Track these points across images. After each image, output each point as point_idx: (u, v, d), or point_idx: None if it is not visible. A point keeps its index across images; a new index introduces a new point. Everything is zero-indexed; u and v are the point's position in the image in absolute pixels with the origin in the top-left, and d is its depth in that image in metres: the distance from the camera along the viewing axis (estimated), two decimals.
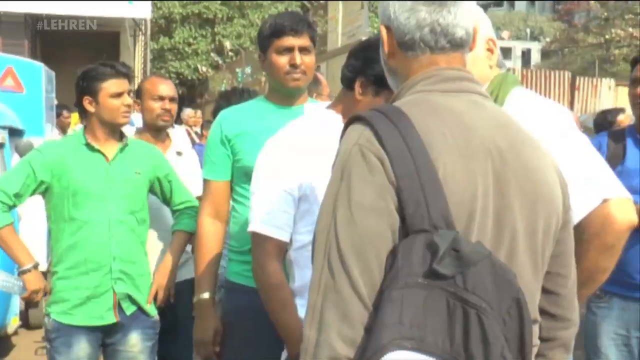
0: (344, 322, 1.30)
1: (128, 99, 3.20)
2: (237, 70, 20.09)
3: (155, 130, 3.74)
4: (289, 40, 2.67)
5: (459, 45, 1.51)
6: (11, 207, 3.15)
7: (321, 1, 21.05)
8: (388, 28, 1.53)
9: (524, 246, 1.42)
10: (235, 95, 4.30)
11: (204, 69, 24.95)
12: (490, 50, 2.23)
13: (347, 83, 2.21)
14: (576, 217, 1.92)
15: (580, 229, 1.93)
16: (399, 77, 1.55)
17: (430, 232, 1.29)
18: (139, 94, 3.75)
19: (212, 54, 24.96)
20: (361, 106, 2.15)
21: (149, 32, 19.35)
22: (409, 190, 1.31)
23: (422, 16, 1.49)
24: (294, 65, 2.65)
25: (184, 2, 24.96)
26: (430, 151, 1.34)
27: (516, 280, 1.32)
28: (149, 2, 17.62)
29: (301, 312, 2.11)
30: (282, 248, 2.18)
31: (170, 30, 25.55)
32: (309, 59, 2.70)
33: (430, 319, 1.24)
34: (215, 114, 4.09)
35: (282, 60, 2.68)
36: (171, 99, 3.71)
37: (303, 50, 2.68)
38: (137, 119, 4.86)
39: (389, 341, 1.24)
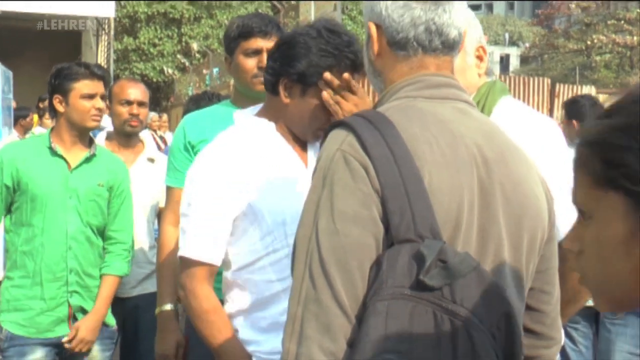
0: (325, 335, 1.29)
1: (100, 102, 3.16)
2: (205, 72, 20.05)
3: (124, 136, 3.71)
4: (257, 42, 2.68)
5: (451, 47, 1.51)
6: None
7: (292, 2, 21.08)
8: (378, 26, 1.51)
9: (508, 260, 1.42)
10: (204, 100, 4.29)
11: (170, 71, 24.87)
12: (479, 58, 2.22)
13: (271, 88, 2.15)
14: (561, 233, 1.94)
15: (563, 249, 1.94)
16: (384, 79, 1.54)
17: (417, 242, 1.29)
18: (109, 97, 3.72)
19: (179, 56, 24.89)
20: (291, 109, 2.12)
21: (112, 32, 19.24)
22: (394, 200, 1.31)
23: (417, 14, 1.47)
24: (261, 69, 2.60)
25: (149, 1, 24.87)
26: (416, 159, 1.34)
27: (505, 293, 1.32)
28: (113, 1, 17.51)
29: (243, 334, 2.09)
30: (213, 272, 2.13)
31: (134, 30, 25.43)
32: None
33: (416, 332, 1.24)
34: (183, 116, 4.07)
35: (250, 63, 2.67)
36: (140, 104, 3.67)
37: None
38: (108, 123, 4.84)
39: (374, 355, 1.23)
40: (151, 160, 3.74)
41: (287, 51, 2.10)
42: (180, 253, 2.13)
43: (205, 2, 25.39)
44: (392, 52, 1.50)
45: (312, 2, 12.54)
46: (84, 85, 3.14)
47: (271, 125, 2.17)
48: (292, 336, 1.32)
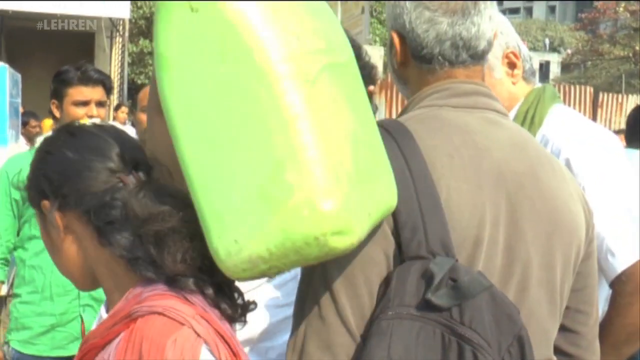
0: (326, 352, 1.30)
1: (94, 110, 3.14)
2: None
3: None
4: None
5: (480, 57, 1.52)
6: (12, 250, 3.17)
7: None
8: (401, 36, 1.52)
9: (538, 280, 1.42)
10: None
11: None
12: (511, 65, 2.17)
13: None
14: (620, 266, 1.90)
15: (623, 280, 1.90)
16: (410, 86, 1.55)
17: (427, 259, 1.29)
18: (134, 105, 3.70)
19: None
20: None
21: (127, 34, 19.40)
22: (406, 214, 1.31)
23: (443, 29, 1.48)
24: None
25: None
26: (434, 172, 1.35)
27: (519, 316, 1.32)
28: (128, 1, 17.67)
29: None
30: None
31: (151, 32, 25.54)
32: None
33: (422, 354, 1.24)
34: None
35: None
36: None
37: None
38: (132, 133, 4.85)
39: None
40: None
41: None
42: None
43: None
44: (417, 65, 1.52)
45: (339, 2, 12.54)
46: (77, 92, 3.13)
47: None
48: (293, 352, 1.34)
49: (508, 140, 1.46)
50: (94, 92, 3.16)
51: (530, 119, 2.11)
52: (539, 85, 2.24)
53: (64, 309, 3.12)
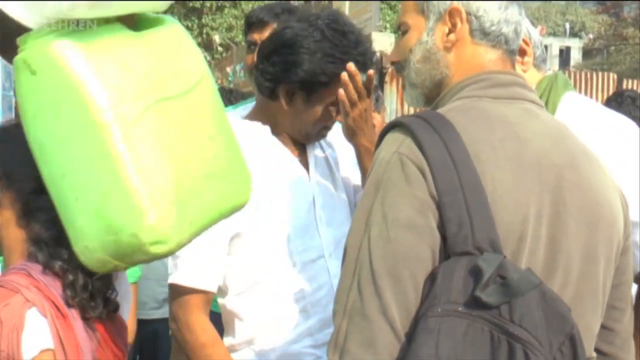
0: (368, 350, 1.32)
1: None
2: (228, 68, 20.15)
3: None
4: (253, 36, 2.71)
5: (517, 51, 1.61)
6: None
7: None
8: (468, 13, 1.55)
9: (581, 274, 1.44)
10: (229, 95, 4.32)
11: None
12: (521, 52, 2.19)
13: (268, 93, 2.14)
14: None
15: None
16: (451, 72, 1.56)
17: (475, 255, 1.31)
18: None
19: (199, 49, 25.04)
20: (293, 115, 2.13)
21: None
22: (451, 207, 1.34)
23: (511, 12, 1.56)
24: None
25: None
26: (478, 165, 1.37)
27: (570, 314, 1.33)
28: None
29: None
30: (209, 301, 2.10)
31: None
32: None
33: (470, 352, 1.26)
34: None
35: (250, 61, 2.75)
36: None
37: None
38: None
39: None
40: None
41: (288, 56, 2.09)
42: (171, 280, 2.09)
43: None
44: (474, 42, 1.56)
45: None
46: None
47: (266, 129, 2.17)
48: (335, 350, 1.36)
49: (546, 132, 1.49)
50: None
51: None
52: (549, 72, 2.26)
53: None
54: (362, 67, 2.06)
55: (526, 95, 1.54)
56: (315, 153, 2.22)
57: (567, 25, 46.93)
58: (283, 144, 2.17)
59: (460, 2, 1.55)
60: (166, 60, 1.57)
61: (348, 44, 2.07)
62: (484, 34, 1.55)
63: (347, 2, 12.72)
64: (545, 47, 2.30)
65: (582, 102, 2.22)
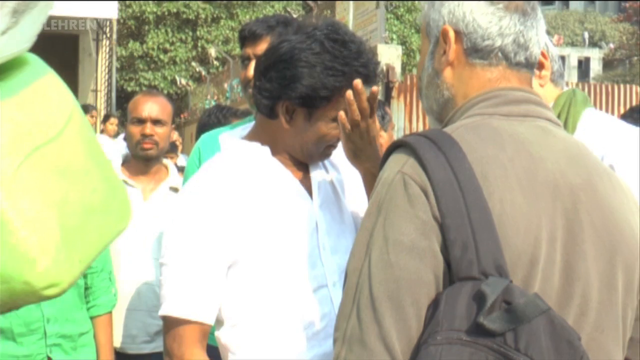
0: None
1: None
2: (225, 83, 20.22)
3: (142, 160, 3.72)
4: (247, 50, 2.73)
5: (532, 64, 1.59)
6: None
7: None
8: (457, 32, 1.57)
9: (599, 302, 1.44)
10: (214, 114, 4.34)
11: (184, 81, 25.13)
12: (538, 65, 2.21)
13: (267, 111, 2.14)
14: None
15: None
16: (454, 93, 1.59)
17: (479, 280, 1.31)
18: (125, 115, 3.76)
19: (194, 63, 25.15)
20: (293, 135, 2.12)
21: (115, 36, 19.53)
22: (455, 230, 1.34)
23: (506, 23, 1.56)
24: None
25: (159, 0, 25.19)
26: (485, 185, 1.38)
27: (579, 342, 1.33)
28: (116, 0, 17.77)
29: None
30: (206, 333, 2.06)
31: (141, 33, 25.79)
32: None
33: None
34: (198, 135, 4.10)
35: (243, 76, 2.77)
36: (155, 121, 3.66)
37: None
38: (120, 147, 4.89)
39: None
40: (175, 189, 3.74)
41: (285, 71, 2.08)
42: (163, 312, 2.07)
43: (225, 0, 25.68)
44: (469, 62, 1.57)
45: None
46: None
47: (266, 150, 2.16)
48: None
49: (563, 151, 1.49)
50: None
51: (562, 124, 2.13)
52: (567, 88, 2.27)
53: (28, 351, 3.09)
54: (365, 79, 2.05)
55: (541, 112, 1.54)
56: (318, 175, 2.21)
57: (586, 35, 47.07)
58: (284, 165, 2.16)
59: (451, 21, 1.58)
60: (33, 109, 1.68)
61: (349, 54, 2.05)
62: (476, 51, 1.56)
63: (351, 12, 12.77)
64: (563, 58, 2.30)
65: (602, 118, 2.24)
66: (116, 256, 3.51)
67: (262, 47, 2.65)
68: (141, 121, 3.65)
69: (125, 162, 3.82)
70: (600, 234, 1.45)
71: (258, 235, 2.04)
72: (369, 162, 2.12)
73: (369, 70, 2.08)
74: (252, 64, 2.66)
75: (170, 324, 2.06)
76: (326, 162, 2.28)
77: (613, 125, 2.20)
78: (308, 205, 2.14)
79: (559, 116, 2.17)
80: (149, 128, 3.65)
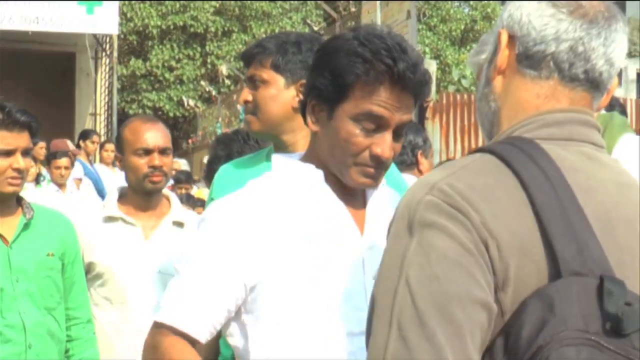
0: None
1: (20, 161, 3.19)
2: (238, 105, 20.29)
3: (144, 194, 3.69)
4: (250, 71, 2.76)
5: (594, 82, 1.55)
6: None
7: (352, 9, 21.13)
8: (511, 37, 1.56)
9: None
10: (237, 142, 4.33)
11: (192, 102, 25.22)
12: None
13: (302, 112, 2.19)
14: None
15: None
16: (499, 106, 1.58)
17: (587, 277, 1.33)
18: (119, 145, 3.74)
19: (203, 82, 25.24)
20: (321, 139, 2.13)
21: (115, 53, 19.66)
22: (555, 224, 1.36)
23: (565, 27, 1.52)
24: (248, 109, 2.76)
25: (164, 12, 25.30)
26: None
27: None
28: (116, 13, 17.89)
29: None
30: (192, 352, 2.05)
31: (144, 49, 25.95)
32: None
33: None
34: (210, 166, 4.09)
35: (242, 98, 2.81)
36: (162, 151, 3.63)
37: (262, 83, 2.73)
38: (121, 178, 4.90)
39: None
40: (179, 224, 3.73)
41: (313, 62, 2.14)
42: (157, 317, 2.10)
43: (237, 12, 25.77)
44: (519, 71, 1.55)
45: (378, 2, 12.56)
46: None
47: (319, 174, 2.15)
48: None
49: (613, 180, 1.50)
50: (20, 139, 3.21)
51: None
52: (603, 112, 2.28)
53: None
54: (391, 76, 2.01)
55: (586, 135, 1.53)
56: (375, 207, 2.19)
57: None
58: (337, 193, 2.15)
59: (508, 24, 1.58)
60: None
61: (382, 45, 2.01)
62: (526, 57, 1.55)
63: (379, 23, 12.79)
64: (620, 71, 2.29)
65: None
66: (122, 304, 3.56)
67: (267, 68, 2.72)
68: (148, 152, 3.60)
69: (122, 197, 3.77)
70: None
71: (291, 267, 2.05)
72: None
73: (396, 65, 2.00)
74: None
75: (159, 332, 2.07)
76: (390, 195, 2.26)
77: None
78: (356, 240, 2.13)
79: None
80: (157, 159, 3.59)
